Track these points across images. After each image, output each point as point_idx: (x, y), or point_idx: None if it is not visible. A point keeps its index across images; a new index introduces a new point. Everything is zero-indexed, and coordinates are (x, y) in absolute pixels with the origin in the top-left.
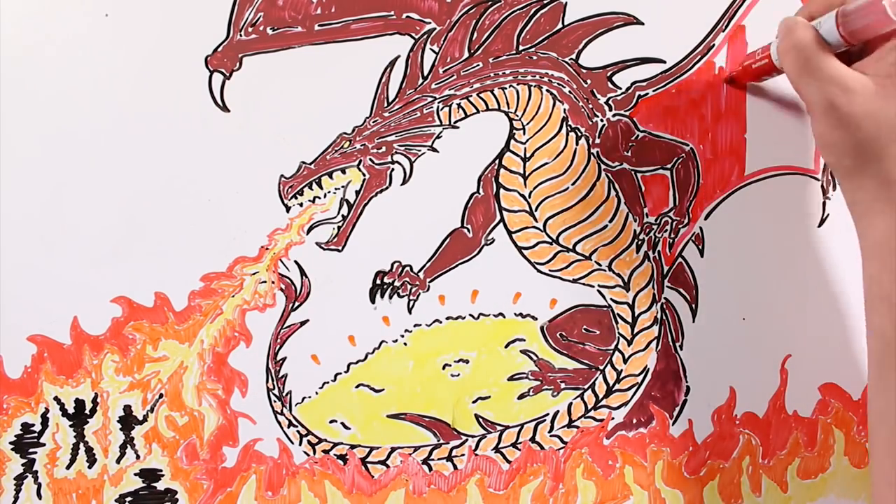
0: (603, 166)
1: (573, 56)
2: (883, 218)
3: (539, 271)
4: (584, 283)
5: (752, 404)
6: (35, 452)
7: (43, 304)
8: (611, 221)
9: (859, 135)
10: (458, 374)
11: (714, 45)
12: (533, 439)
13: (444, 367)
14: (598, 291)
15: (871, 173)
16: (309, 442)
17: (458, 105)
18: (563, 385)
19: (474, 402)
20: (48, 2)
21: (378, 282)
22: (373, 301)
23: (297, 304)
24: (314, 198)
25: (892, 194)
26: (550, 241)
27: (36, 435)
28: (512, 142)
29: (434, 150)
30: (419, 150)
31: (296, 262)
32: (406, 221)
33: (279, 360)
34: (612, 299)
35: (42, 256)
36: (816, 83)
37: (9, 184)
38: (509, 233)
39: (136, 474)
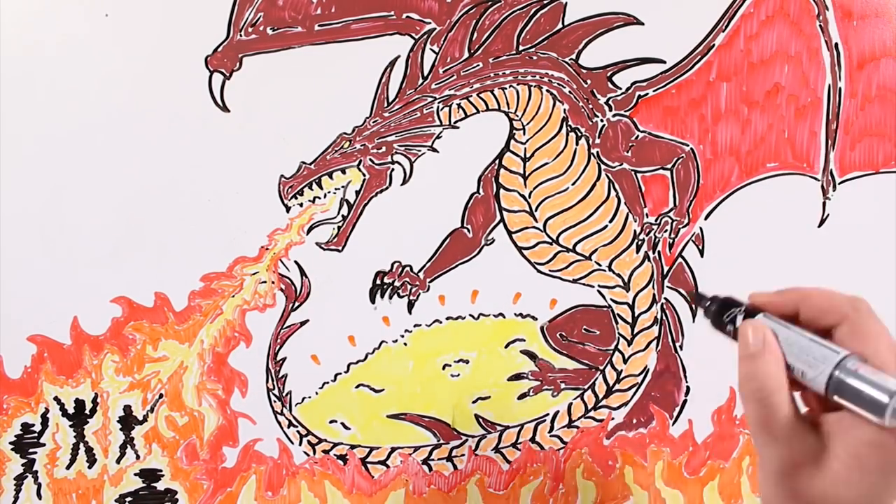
0: (603, 166)
1: (573, 56)
2: None
3: (539, 271)
4: (584, 284)
5: None
6: (35, 452)
7: (43, 304)
8: (611, 221)
9: None
10: (458, 375)
11: (714, 45)
12: (533, 439)
13: (444, 368)
14: (598, 291)
15: None
16: (309, 442)
17: (458, 105)
18: (563, 385)
19: (474, 402)
20: (48, 2)
21: (378, 282)
22: (373, 301)
23: (297, 304)
24: (314, 198)
25: None
26: (550, 241)
27: (36, 435)
28: (512, 142)
29: (434, 150)
30: (419, 150)
31: (296, 262)
32: (406, 221)
33: (279, 360)
34: (612, 299)
35: (42, 256)
36: (773, 443)
37: (9, 184)
38: (509, 233)
39: (136, 474)
